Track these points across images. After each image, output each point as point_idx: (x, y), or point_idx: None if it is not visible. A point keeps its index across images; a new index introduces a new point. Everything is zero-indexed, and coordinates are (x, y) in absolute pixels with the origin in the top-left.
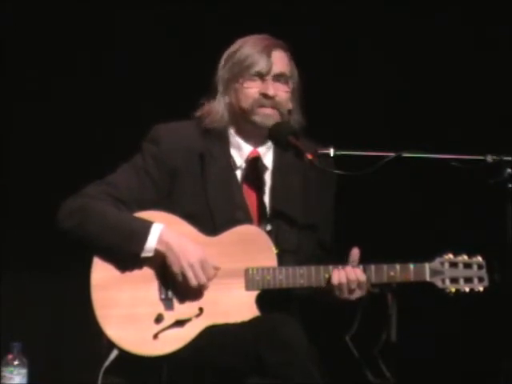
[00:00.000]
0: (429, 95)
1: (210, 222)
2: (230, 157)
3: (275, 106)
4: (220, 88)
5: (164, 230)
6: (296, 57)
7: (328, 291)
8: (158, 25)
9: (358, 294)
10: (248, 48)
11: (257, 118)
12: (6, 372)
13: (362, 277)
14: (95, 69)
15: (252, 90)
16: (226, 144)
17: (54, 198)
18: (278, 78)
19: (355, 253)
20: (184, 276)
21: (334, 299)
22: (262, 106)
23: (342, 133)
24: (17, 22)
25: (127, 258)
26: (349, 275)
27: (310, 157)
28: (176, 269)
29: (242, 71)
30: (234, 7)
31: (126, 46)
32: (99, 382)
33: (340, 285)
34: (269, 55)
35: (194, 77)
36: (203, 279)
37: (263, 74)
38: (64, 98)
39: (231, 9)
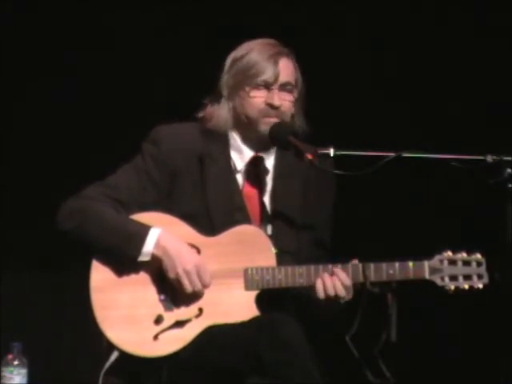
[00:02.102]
0: (429, 95)
1: (209, 223)
2: (230, 159)
3: (280, 115)
4: (225, 93)
5: (162, 235)
6: (296, 57)
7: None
8: (158, 25)
9: (344, 299)
10: (254, 55)
11: (262, 128)
12: (6, 372)
13: (348, 282)
14: (95, 69)
15: (258, 99)
16: (226, 147)
17: (54, 198)
18: (284, 87)
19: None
20: (179, 282)
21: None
22: (267, 115)
23: (342, 133)
24: (16, 22)
25: (125, 260)
26: (336, 286)
27: (309, 157)
28: (172, 274)
29: (247, 79)
30: (235, 6)
31: (127, 46)
32: (100, 383)
33: (327, 297)
34: (276, 64)
35: (194, 77)
36: (198, 286)
37: (269, 84)
38: (64, 98)
39: (232, 8)
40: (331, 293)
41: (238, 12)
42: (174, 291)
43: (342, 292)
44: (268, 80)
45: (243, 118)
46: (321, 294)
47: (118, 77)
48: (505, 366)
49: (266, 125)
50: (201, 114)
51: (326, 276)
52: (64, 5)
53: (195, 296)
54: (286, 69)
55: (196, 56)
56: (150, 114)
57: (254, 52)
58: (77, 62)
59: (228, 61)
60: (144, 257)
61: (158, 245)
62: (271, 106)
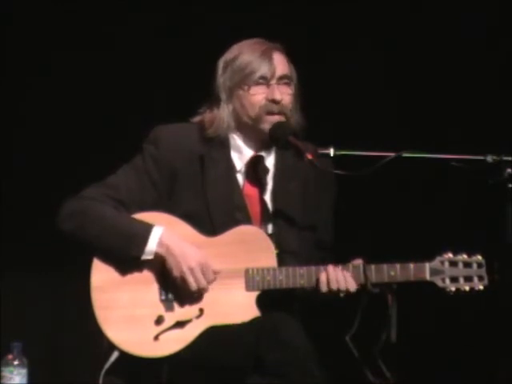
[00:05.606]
0: (429, 95)
1: (209, 223)
2: (230, 160)
3: (282, 110)
4: (223, 96)
5: (164, 233)
6: (296, 56)
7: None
8: (159, 27)
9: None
10: (247, 54)
11: (266, 126)
12: (5, 372)
13: (352, 283)
14: (96, 69)
15: (258, 96)
16: (226, 147)
17: (54, 198)
18: (282, 80)
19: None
20: (184, 280)
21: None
22: (270, 112)
23: (342, 133)
24: (16, 11)
25: (128, 260)
26: (338, 279)
27: (310, 157)
28: (176, 273)
29: (245, 78)
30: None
31: (127, 47)
32: (100, 383)
33: (330, 290)
34: (270, 59)
35: (194, 77)
36: (203, 283)
37: (268, 78)
38: (65, 98)
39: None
40: (334, 287)
41: (238, 12)
42: (175, 290)
43: (344, 287)
44: (266, 75)
45: (245, 118)
46: (324, 287)
47: (118, 77)
48: (505, 365)
49: (269, 123)
50: (197, 119)
51: (331, 269)
52: (65, 6)
53: (199, 294)
54: (281, 62)
55: (196, 57)
56: (150, 114)
57: (245, 52)
58: (78, 63)
59: (220, 65)
60: (147, 256)
61: (161, 243)
62: (273, 101)
